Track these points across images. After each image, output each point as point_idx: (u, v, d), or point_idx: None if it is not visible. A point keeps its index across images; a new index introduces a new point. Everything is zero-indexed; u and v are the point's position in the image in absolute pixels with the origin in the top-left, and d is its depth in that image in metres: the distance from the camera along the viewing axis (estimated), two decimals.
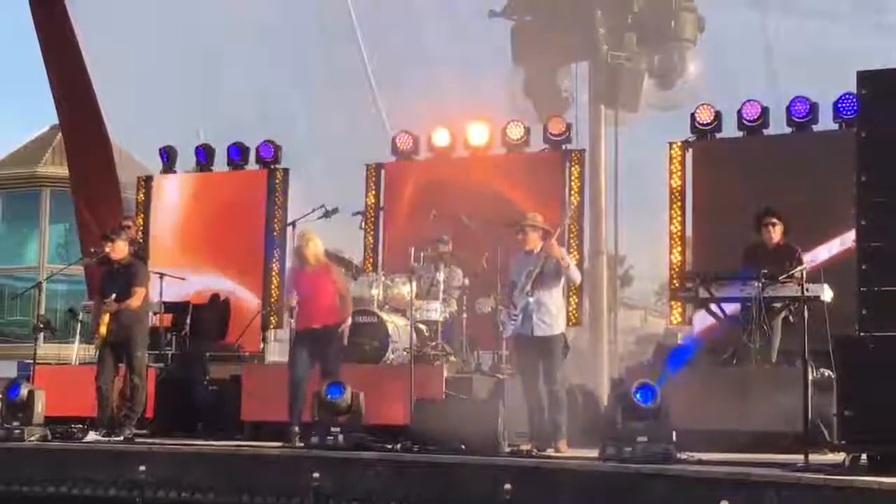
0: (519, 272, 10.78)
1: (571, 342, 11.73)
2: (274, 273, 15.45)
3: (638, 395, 9.41)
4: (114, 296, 11.71)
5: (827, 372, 10.01)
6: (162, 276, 13.92)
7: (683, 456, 9.12)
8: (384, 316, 12.58)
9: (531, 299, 10.59)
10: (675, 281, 13.67)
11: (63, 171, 22.30)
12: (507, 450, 10.15)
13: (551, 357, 10.66)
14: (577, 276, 11.29)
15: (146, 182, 16.72)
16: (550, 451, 10.30)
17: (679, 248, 13.85)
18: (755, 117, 13.58)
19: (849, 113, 12.77)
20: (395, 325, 12.60)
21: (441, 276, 12.99)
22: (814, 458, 8.65)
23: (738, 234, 12.10)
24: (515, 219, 10.92)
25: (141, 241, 15.26)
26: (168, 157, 16.57)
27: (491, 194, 14.17)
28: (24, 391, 11.61)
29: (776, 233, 11.66)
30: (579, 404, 12.01)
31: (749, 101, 13.66)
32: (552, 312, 10.70)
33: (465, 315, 13.08)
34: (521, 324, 10.69)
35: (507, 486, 9.18)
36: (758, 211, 11.82)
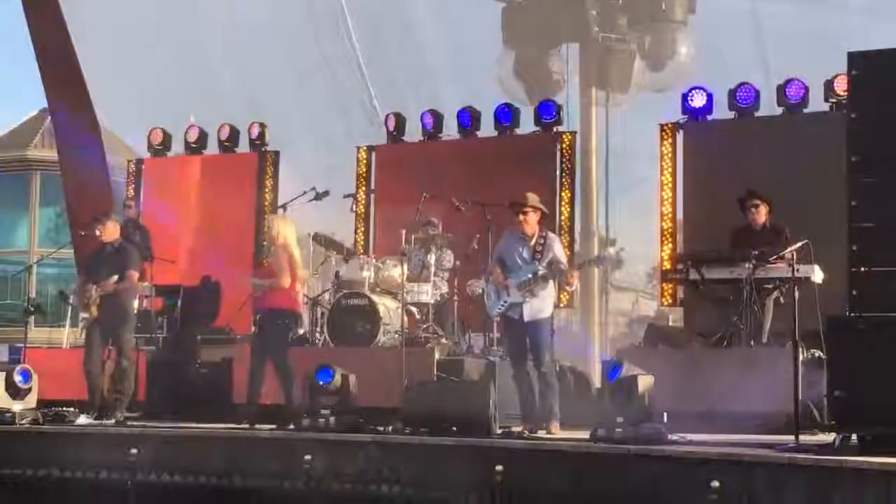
0: (510, 251, 10.81)
1: (564, 324, 11.81)
2: (265, 256, 15.44)
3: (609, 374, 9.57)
4: (115, 278, 11.72)
5: (817, 353, 10.04)
6: (153, 258, 13.90)
7: (674, 437, 9.14)
8: (375, 298, 12.59)
9: (528, 298, 10.64)
10: (666, 263, 13.68)
11: (53, 154, 22.23)
12: (499, 432, 10.16)
13: (539, 340, 10.69)
14: None
15: (136, 165, 16.71)
16: (542, 433, 10.32)
17: (670, 230, 13.86)
18: (750, 101, 13.56)
19: (841, 94, 12.74)
20: (387, 307, 12.61)
21: (432, 259, 12.99)
22: (804, 438, 8.70)
23: (729, 216, 12.11)
24: (516, 199, 10.90)
25: (139, 220, 15.27)
26: (158, 141, 16.55)
27: (481, 177, 14.16)
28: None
29: (761, 214, 11.69)
30: (570, 386, 12.04)
31: (743, 84, 13.63)
32: (541, 296, 10.73)
33: (456, 297, 13.08)
34: (509, 307, 10.72)
35: (499, 467, 9.19)
36: (741, 194, 11.85)
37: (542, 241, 10.82)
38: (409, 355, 11.44)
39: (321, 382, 10.73)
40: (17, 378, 11.70)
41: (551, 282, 10.88)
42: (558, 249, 10.92)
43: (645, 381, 9.36)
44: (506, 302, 10.74)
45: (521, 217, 10.79)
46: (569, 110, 16.92)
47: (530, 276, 10.66)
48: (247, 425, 11.03)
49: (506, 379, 11.09)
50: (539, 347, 10.68)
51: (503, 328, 11.16)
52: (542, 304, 10.73)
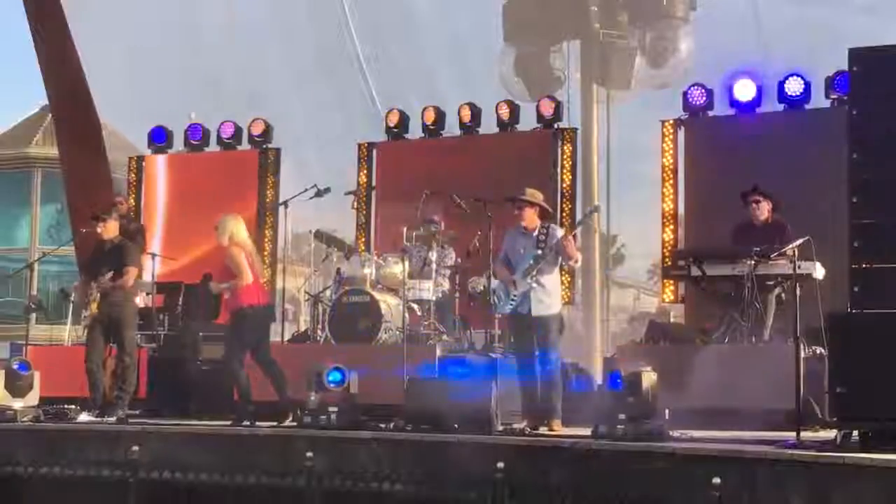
0: (514, 248, 10.79)
1: (565, 321, 11.76)
2: (265, 253, 15.43)
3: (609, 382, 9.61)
4: (111, 274, 11.72)
5: (819, 349, 10.04)
6: (154, 256, 13.90)
7: (676, 434, 9.14)
8: (377, 295, 12.58)
9: (534, 284, 10.59)
10: (667, 259, 13.67)
11: (55, 151, 22.19)
12: (500, 428, 10.16)
13: (547, 336, 10.65)
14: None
15: (137, 162, 16.71)
16: (544, 430, 10.31)
17: (671, 227, 13.85)
18: (750, 97, 13.55)
19: (842, 90, 12.74)
20: (388, 304, 12.61)
21: (433, 256, 12.99)
22: (806, 435, 8.69)
23: (730, 212, 12.10)
24: (513, 194, 10.89)
25: (132, 215, 15.25)
26: (160, 138, 16.55)
27: (483, 174, 14.16)
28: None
29: (762, 210, 11.66)
30: (572, 383, 12.03)
31: (743, 79, 13.63)
32: (550, 292, 10.69)
33: (457, 294, 13.08)
34: (520, 302, 10.68)
35: (501, 464, 9.19)
36: (745, 189, 11.84)
37: (544, 230, 10.74)
38: (410, 352, 11.44)
39: (331, 385, 10.72)
40: (14, 366, 11.72)
41: (557, 270, 10.83)
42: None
43: (648, 378, 9.36)
44: (515, 297, 10.66)
45: (517, 212, 10.76)
46: (570, 107, 16.93)
47: (531, 261, 10.61)
48: (248, 423, 11.01)
49: (507, 376, 11.08)
50: (546, 344, 10.64)
51: (510, 324, 11.13)
52: (550, 300, 10.68)
